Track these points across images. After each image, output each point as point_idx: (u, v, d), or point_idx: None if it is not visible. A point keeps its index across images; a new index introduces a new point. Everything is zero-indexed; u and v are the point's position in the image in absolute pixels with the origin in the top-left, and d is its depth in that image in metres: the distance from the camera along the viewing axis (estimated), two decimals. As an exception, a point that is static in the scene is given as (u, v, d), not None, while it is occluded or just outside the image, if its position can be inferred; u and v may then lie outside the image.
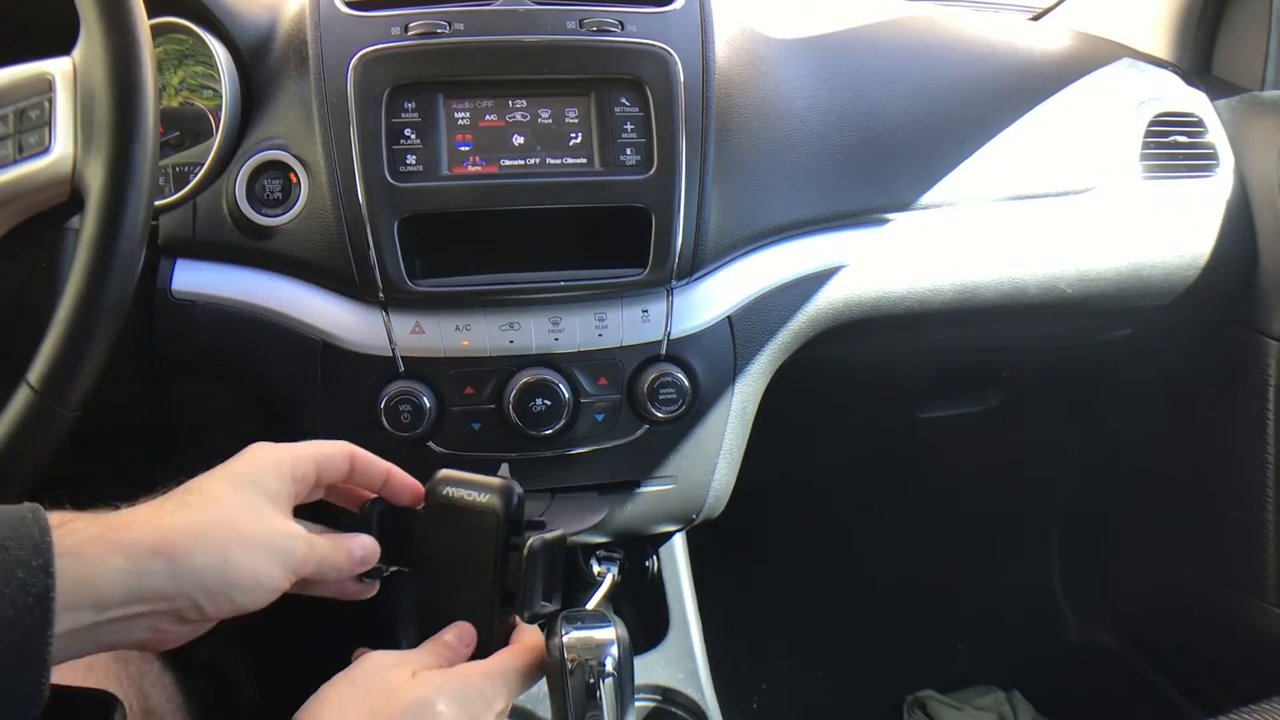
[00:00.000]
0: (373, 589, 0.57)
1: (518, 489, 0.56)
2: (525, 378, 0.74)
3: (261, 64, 0.77)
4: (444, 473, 0.57)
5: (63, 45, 0.58)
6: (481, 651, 0.55)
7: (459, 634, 0.55)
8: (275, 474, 0.52)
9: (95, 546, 0.44)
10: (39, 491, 0.60)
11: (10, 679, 0.39)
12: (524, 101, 0.74)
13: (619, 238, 0.74)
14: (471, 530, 0.56)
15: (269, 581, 0.49)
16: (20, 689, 0.39)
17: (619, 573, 0.96)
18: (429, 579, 0.58)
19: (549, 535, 0.56)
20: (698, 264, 0.76)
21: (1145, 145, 0.96)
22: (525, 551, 0.55)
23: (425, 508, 0.57)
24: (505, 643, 0.56)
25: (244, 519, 0.49)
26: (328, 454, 0.55)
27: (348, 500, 0.59)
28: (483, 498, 0.55)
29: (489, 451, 0.73)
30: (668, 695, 0.98)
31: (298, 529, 0.51)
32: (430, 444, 0.75)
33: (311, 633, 1.25)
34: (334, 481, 0.56)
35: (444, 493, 0.56)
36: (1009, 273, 0.91)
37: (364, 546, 0.55)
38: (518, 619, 0.57)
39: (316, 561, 0.52)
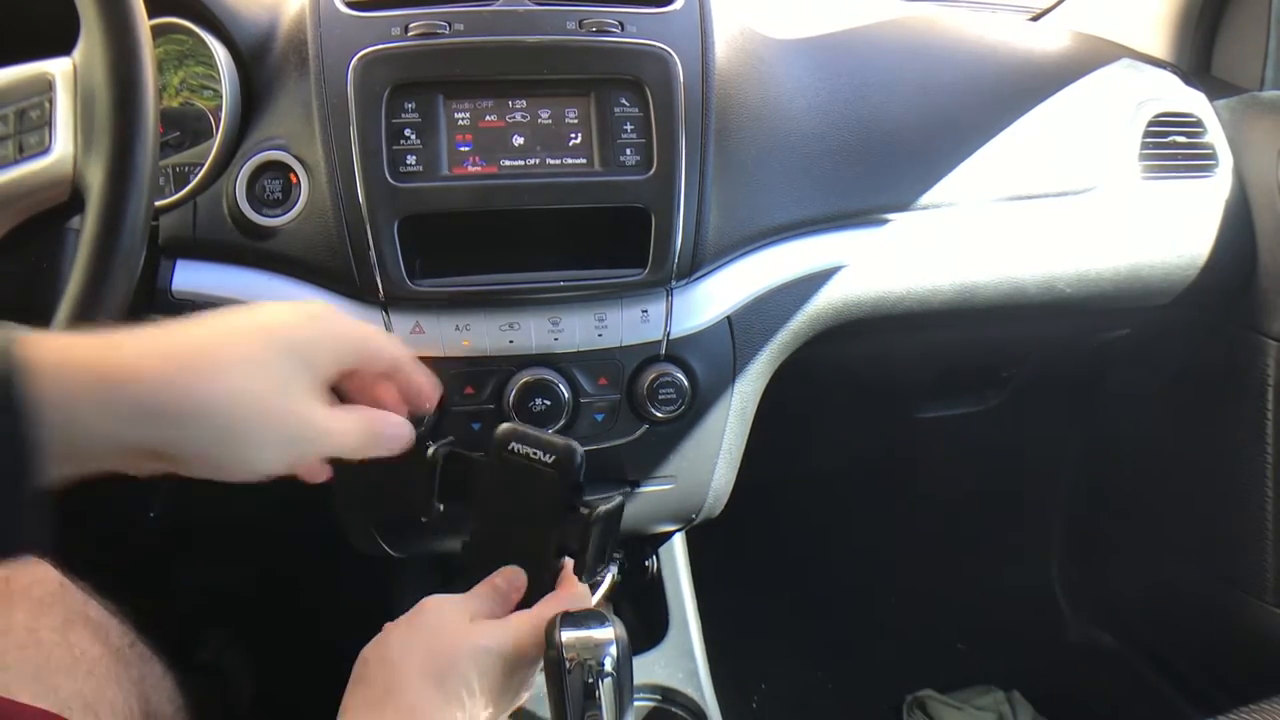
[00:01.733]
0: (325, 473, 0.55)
1: (580, 451, 0.58)
2: (525, 378, 0.74)
3: (262, 64, 0.77)
4: (509, 427, 0.59)
5: (63, 45, 0.58)
6: (532, 598, 0.58)
7: (509, 578, 0.57)
8: (329, 353, 0.48)
9: (82, 396, 0.40)
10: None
11: (5, 514, 0.38)
12: (524, 102, 0.74)
13: (619, 238, 0.75)
14: (535, 487, 0.58)
15: (265, 468, 0.46)
16: (14, 537, 0.39)
17: (619, 572, 0.96)
18: (486, 525, 0.60)
19: (610, 504, 0.59)
20: (697, 264, 0.77)
21: (1144, 145, 0.96)
22: (589, 519, 0.57)
23: (489, 459, 0.59)
24: (553, 587, 0.58)
25: (274, 402, 0.45)
26: (382, 351, 0.52)
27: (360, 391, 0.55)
28: (548, 458, 0.57)
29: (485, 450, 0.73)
30: (667, 695, 0.98)
31: (324, 418, 0.48)
32: (430, 444, 0.74)
33: (311, 632, 1.26)
34: (363, 375, 0.53)
35: (510, 448, 0.58)
36: (1009, 273, 0.91)
37: (394, 426, 0.52)
38: (566, 562, 0.59)
39: (327, 453, 0.49)
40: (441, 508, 0.60)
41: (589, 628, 0.54)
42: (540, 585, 0.59)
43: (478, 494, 0.59)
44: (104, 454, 0.42)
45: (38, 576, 0.71)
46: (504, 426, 0.59)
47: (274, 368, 0.45)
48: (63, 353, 0.40)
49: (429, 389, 0.57)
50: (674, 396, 0.76)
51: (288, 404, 0.46)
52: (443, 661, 0.50)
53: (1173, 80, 1.04)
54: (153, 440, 0.42)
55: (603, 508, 0.58)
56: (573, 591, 0.58)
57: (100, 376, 0.41)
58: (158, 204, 0.73)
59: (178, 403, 0.42)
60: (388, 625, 0.52)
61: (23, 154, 0.57)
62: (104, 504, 1.09)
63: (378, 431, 0.52)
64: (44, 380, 0.39)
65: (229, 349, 0.44)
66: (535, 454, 0.58)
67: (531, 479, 0.58)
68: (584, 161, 0.74)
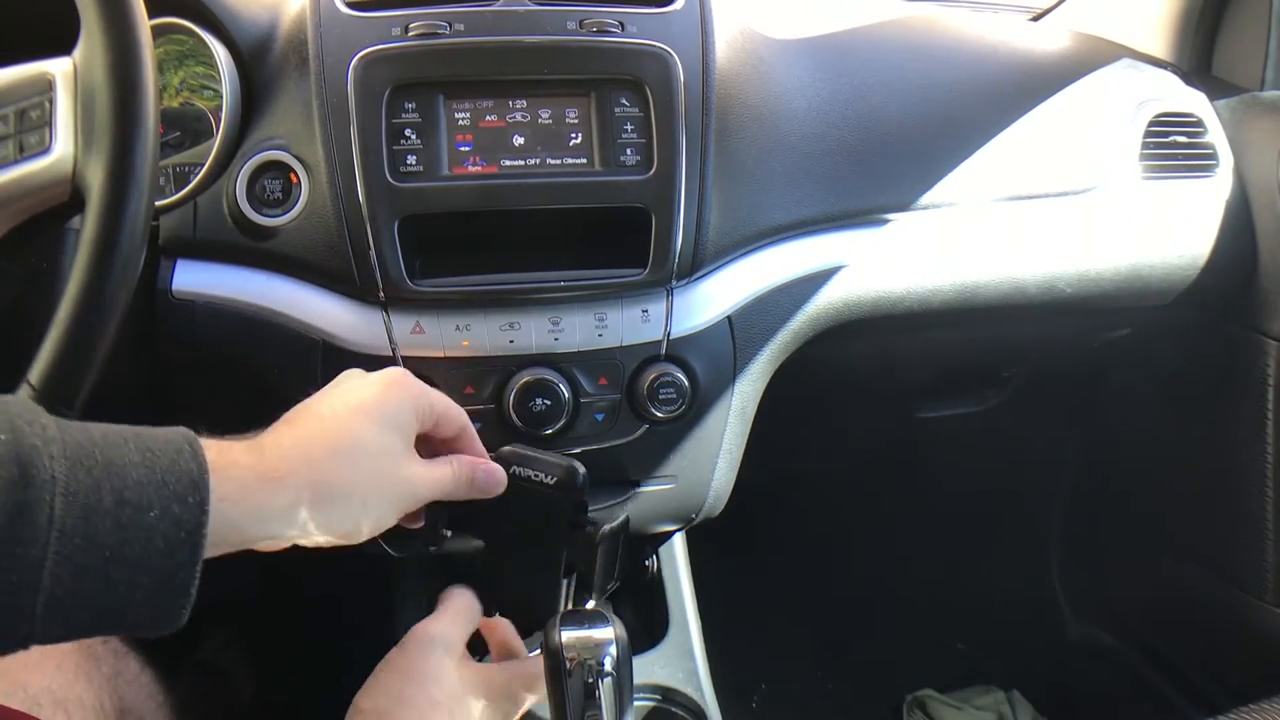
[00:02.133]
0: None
1: (582, 471, 0.58)
2: (525, 377, 0.74)
3: (262, 64, 0.77)
4: (510, 449, 0.59)
5: (63, 45, 0.58)
6: (541, 620, 0.58)
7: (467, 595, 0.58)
8: (413, 414, 0.53)
9: (252, 494, 0.45)
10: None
11: (155, 603, 0.41)
12: (524, 102, 0.74)
13: (619, 238, 0.75)
14: (539, 508, 0.58)
15: (382, 527, 0.52)
16: (163, 614, 0.42)
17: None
18: (493, 550, 0.60)
19: (615, 523, 0.59)
20: (698, 264, 0.77)
21: (1145, 145, 0.96)
22: (596, 538, 0.58)
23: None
24: (558, 607, 0.59)
25: (387, 469, 0.50)
26: (450, 415, 0.56)
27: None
28: (550, 479, 0.58)
29: (489, 451, 0.73)
30: (667, 695, 0.98)
31: (424, 472, 0.53)
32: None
33: (310, 632, 1.26)
34: (433, 437, 0.57)
35: (511, 471, 0.58)
36: (1009, 273, 0.91)
37: (488, 470, 0.57)
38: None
39: (429, 499, 0.54)
40: (449, 534, 0.60)
41: (589, 628, 0.54)
42: (547, 604, 0.59)
43: (483, 519, 0.59)
44: (253, 538, 0.46)
45: None
46: (505, 450, 0.59)
47: (381, 441, 0.51)
48: (227, 456, 0.45)
49: (484, 463, 0.59)
50: (674, 396, 0.76)
51: (397, 470, 0.51)
52: (451, 711, 0.52)
53: (1173, 80, 1.04)
54: (293, 528, 0.47)
55: (607, 527, 0.59)
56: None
57: (261, 478, 0.46)
58: (158, 204, 0.73)
59: (322, 496, 0.48)
60: (380, 670, 0.53)
61: (23, 154, 0.57)
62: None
63: (471, 476, 0.56)
64: (221, 482, 0.43)
65: (347, 437, 0.50)
66: (538, 476, 0.58)
67: (535, 501, 0.58)
68: (584, 161, 0.74)
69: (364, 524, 0.50)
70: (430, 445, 0.57)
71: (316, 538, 0.49)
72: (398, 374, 0.54)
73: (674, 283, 0.76)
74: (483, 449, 0.59)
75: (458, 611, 0.56)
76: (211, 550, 0.43)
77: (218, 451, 0.45)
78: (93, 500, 0.39)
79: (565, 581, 0.60)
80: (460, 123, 0.73)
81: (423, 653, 0.53)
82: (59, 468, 0.39)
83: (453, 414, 0.56)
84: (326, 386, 0.54)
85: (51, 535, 0.38)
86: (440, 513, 0.60)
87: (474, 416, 0.74)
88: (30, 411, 0.40)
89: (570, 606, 0.61)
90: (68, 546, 0.38)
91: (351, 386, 0.53)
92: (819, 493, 1.51)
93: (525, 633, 0.62)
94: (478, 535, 0.60)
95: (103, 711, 0.68)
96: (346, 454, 0.49)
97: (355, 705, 0.51)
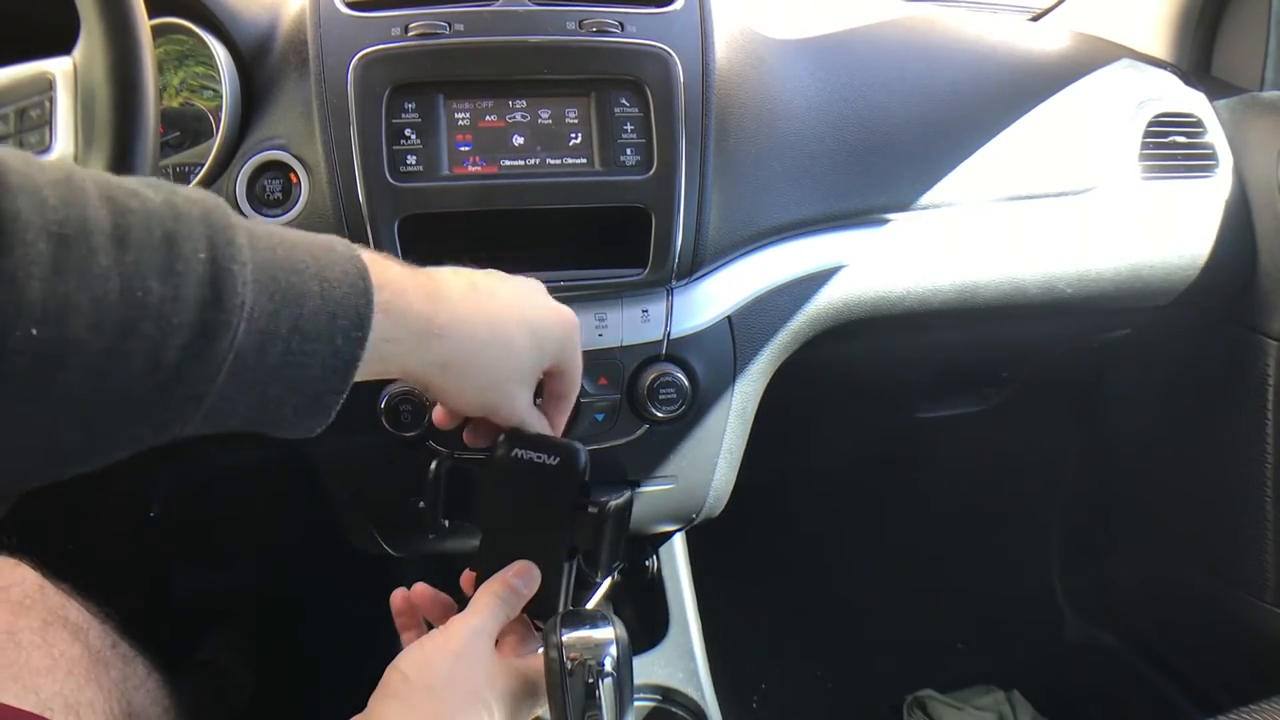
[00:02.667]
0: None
1: (584, 450, 0.59)
2: (525, 377, 0.74)
3: (262, 64, 0.77)
4: (510, 433, 0.59)
5: (63, 45, 0.58)
6: (548, 605, 0.58)
7: (524, 575, 0.58)
8: (556, 358, 0.57)
9: (410, 341, 0.49)
10: (37, 493, 0.61)
11: (298, 418, 0.45)
12: (524, 102, 0.74)
13: (619, 238, 0.75)
14: (542, 490, 0.58)
15: (465, 411, 0.57)
16: (301, 426, 0.46)
17: (619, 573, 0.97)
18: (495, 534, 0.60)
19: (619, 499, 0.59)
20: (698, 264, 0.77)
21: (1144, 145, 0.96)
22: (600, 515, 0.58)
23: (493, 466, 0.59)
24: (563, 588, 0.60)
25: (506, 381, 0.55)
26: (570, 383, 0.60)
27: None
28: (553, 459, 0.58)
29: (488, 451, 0.73)
30: (668, 695, 0.98)
31: (523, 406, 0.58)
32: (430, 444, 0.75)
33: (311, 632, 1.26)
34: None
35: (513, 453, 0.59)
36: (1009, 273, 0.91)
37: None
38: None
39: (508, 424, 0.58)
40: (448, 524, 0.60)
41: (589, 628, 0.54)
42: (552, 587, 0.59)
43: (484, 502, 0.60)
44: (384, 373, 0.49)
45: (16, 578, 0.71)
46: (506, 431, 0.59)
47: (524, 360, 0.55)
48: (402, 298, 0.48)
49: (560, 429, 0.63)
50: (674, 396, 0.76)
51: (510, 381, 0.56)
52: (482, 697, 0.52)
53: (1173, 80, 1.04)
54: (424, 377, 0.52)
55: (614, 502, 0.59)
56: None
57: (426, 330, 0.49)
58: (158, 204, 0.72)
59: (462, 362, 0.52)
60: (425, 644, 0.54)
61: (23, 154, 0.57)
62: (104, 504, 1.09)
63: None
64: (389, 325, 0.47)
65: (505, 337, 0.54)
66: (540, 457, 0.58)
67: (537, 482, 0.58)
68: (584, 161, 0.74)
69: (457, 403, 0.55)
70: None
71: (423, 385, 0.53)
72: (572, 315, 0.58)
73: (674, 283, 0.76)
74: (562, 422, 0.62)
75: (494, 611, 0.56)
76: (357, 374, 0.46)
77: (393, 292, 0.47)
78: (270, 326, 0.41)
79: (568, 565, 0.60)
80: (460, 123, 0.73)
81: (472, 639, 0.54)
82: (249, 293, 0.40)
83: (576, 378, 0.60)
84: (508, 277, 0.57)
85: (230, 357, 0.40)
86: (439, 499, 0.60)
87: (474, 416, 0.75)
88: (225, 225, 0.41)
89: (572, 589, 0.61)
90: (239, 366, 0.40)
91: (532, 295, 0.57)
92: (819, 493, 1.51)
93: (530, 618, 0.62)
94: (478, 521, 0.60)
95: (112, 715, 0.68)
96: (500, 349, 0.53)
97: (398, 669, 0.52)
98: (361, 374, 0.46)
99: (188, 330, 0.38)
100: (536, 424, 0.59)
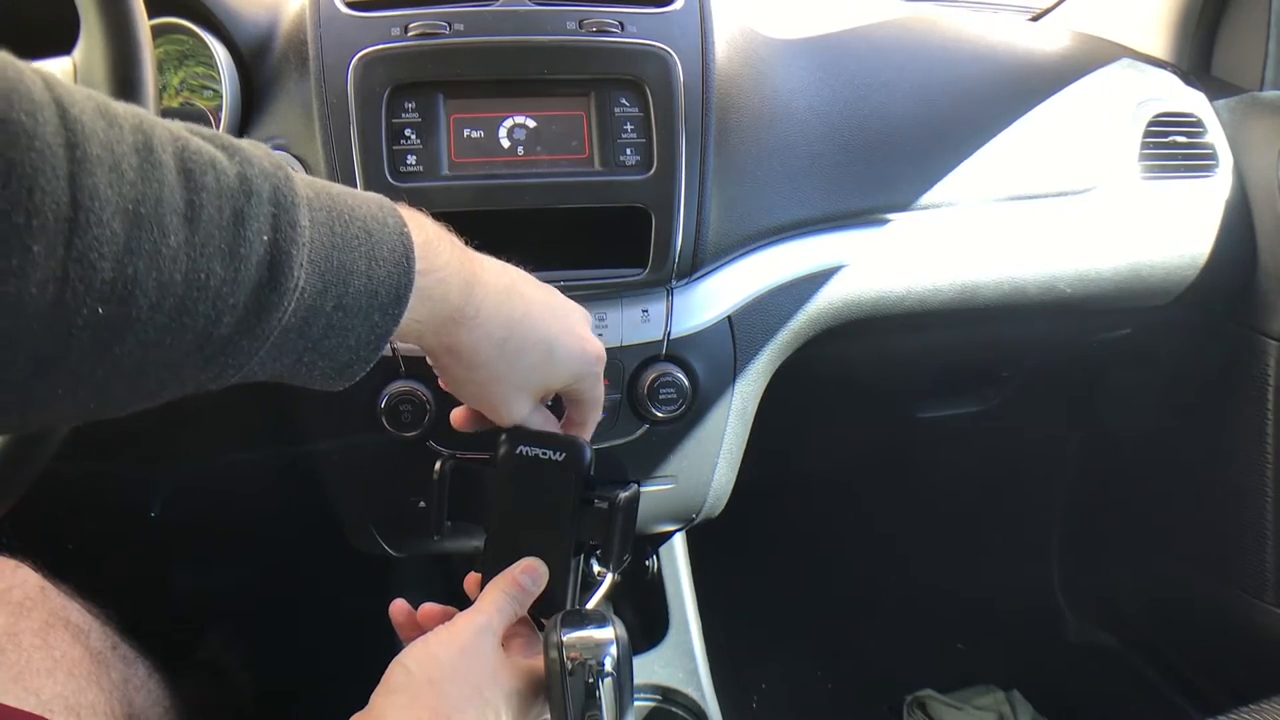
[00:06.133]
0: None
1: (589, 445, 0.59)
2: (525, 378, 0.74)
3: (262, 64, 0.77)
4: (514, 431, 0.59)
5: (63, 45, 0.58)
6: (556, 603, 0.58)
7: (532, 574, 0.58)
8: (570, 376, 0.57)
9: (432, 323, 0.49)
10: (38, 494, 0.61)
11: (323, 381, 0.46)
12: (524, 102, 0.74)
13: (619, 238, 0.74)
14: (548, 486, 0.58)
15: (469, 400, 0.58)
16: (322, 386, 0.47)
17: (619, 573, 0.96)
18: (501, 533, 0.60)
19: (627, 492, 0.59)
20: (698, 264, 0.77)
21: (1144, 145, 0.96)
22: (611, 508, 0.58)
23: (498, 464, 0.59)
24: (569, 585, 0.59)
25: (508, 390, 0.56)
26: (587, 407, 0.60)
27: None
28: (558, 455, 0.58)
29: (490, 451, 0.73)
30: (668, 695, 0.99)
31: (523, 414, 0.58)
32: (430, 444, 0.75)
33: (311, 632, 1.26)
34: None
35: (517, 450, 0.59)
36: (1009, 273, 0.91)
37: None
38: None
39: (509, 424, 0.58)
40: (450, 524, 0.60)
41: (589, 628, 0.54)
42: (559, 585, 0.59)
43: (489, 501, 0.59)
44: (404, 340, 0.50)
45: (18, 580, 0.71)
46: (510, 429, 0.59)
47: (530, 365, 0.55)
48: (441, 279, 0.48)
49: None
50: (674, 396, 0.76)
51: (510, 389, 0.56)
52: (486, 694, 0.52)
53: (1173, 80, 1.04)
54: (437, 353, 0.53)
55: (623, 495, 0.58)
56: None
57: (453, 318, 0.50)
58: (158, 204, 0.72)
59: (470, 351, 0.52)
60: (430, 640, 0.53)
61: (23, 154, 0.57)
62: (104, 504, 1.09)
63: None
64: (425, 311, 0.48)
65: (522, 340, 0.54)
66: (545, 453, 0.58)
67: (543, 479, 0.58)
68: (584, 161, 0.74)
69: (454, 386, 0.56)
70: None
71: (436, 360, 0.54)
72: (599, 353, 0.58)
73: (674, 282, 0.76)
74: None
75: (501, 608, 0.56)
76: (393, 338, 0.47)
77: (436, 279, 0.48)
78: (317, 303, 0.42)
79: (575, 562, 0.60)
80: (460, 122, 0.73)
81: (478, 636, 0.53)
82: (303, 275, 0.41)
83: (593, 411, 0.61)
84: (558, 293, 0.58)
85: (275, 332, 0.40)
86: (442, 499, 0.60)
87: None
88: (291, 204, 0.41)
89: (579, 587, 0.61)
90: (282, 338, 0.41)
91: (570, 317, 0.57)
92: (819, 492, 1.51)
93: (536, 617, 0.62)
94: (482, 521, 0.60)
95: (113, 716, 0.68)
96: (509, 354, 0.53)
97: (403, 665, 0.52)
98: (401, 336, 0.48)
99: (241, 310, 0.39)
100: (530, 421, 0.59)
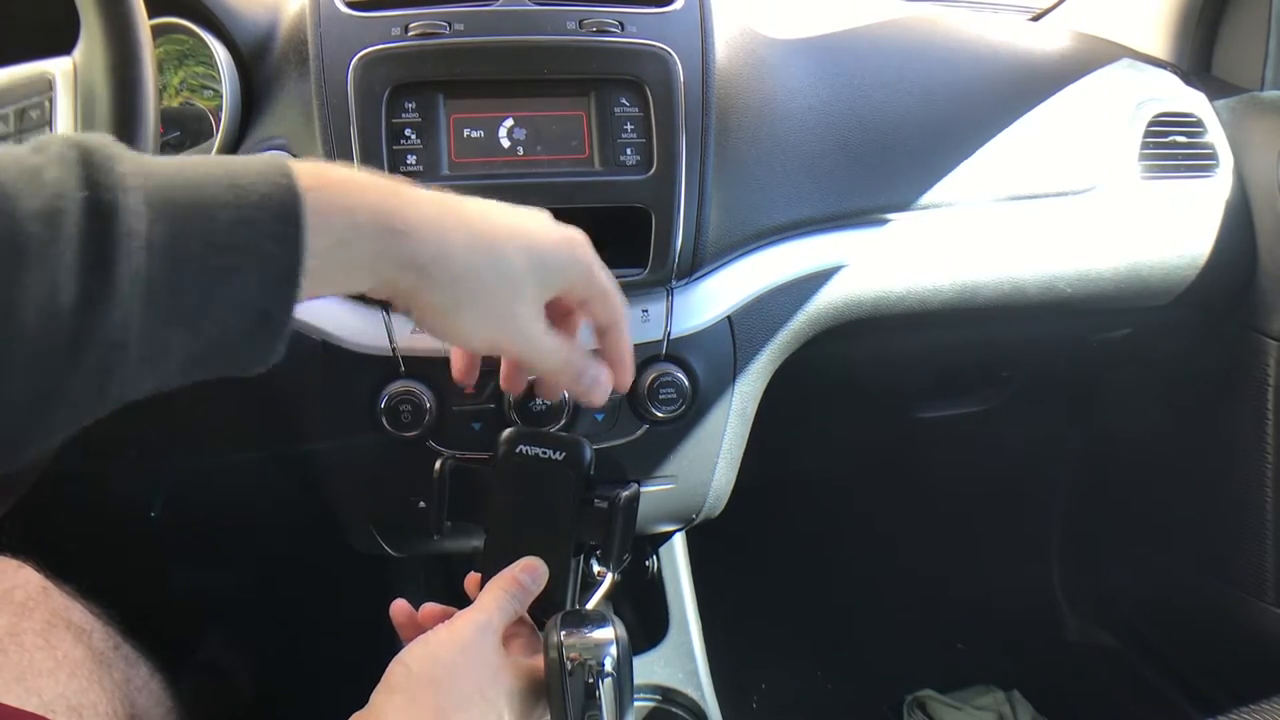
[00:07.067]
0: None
1: (589, 445, 0.59)
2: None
3: (262, 64, 0.77)
4: (514, 431, 0.59)
5: (63, 45, 0.58)
6: (556, 603, 0.58)
7: (531, 573, 0.57)
8: (563, 281, 0.51)
9: (367, 241, 0.43)
10: (38, 494, 0.61)
11: (254, 348, 0.41)
12: (524, 102, 0.74)
13: (619, 238, 0.74)
14: (549, 486, 0.58)
15: (471, 343, 0.51)
16: (256, 357, 0.41)
17: (619, 573, 0.96)
18: (501, 533, 0.60)
19: (627, 491, 0.59)
20: (698, 264, 0.77)
21: (1144, 145, 0.96)
22: (611, 507, 0.58)
23: (498, 464, 0.59)
24: (569, 585, 0.59)
25: (502, 297, 0.48)
26: (606, 303, 0.53)
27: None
28: (559, 455, 0.58)
29: (490, 451, 0.73)
30: (668, 695, 0.98)
31: (539, 333, 0.51)
32: (430, 443, 0.75)
33: (311, 633, 1.26)
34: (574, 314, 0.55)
35: (517, 450, 0.58)
36: (1009, 273, 0.91)
37: (599, 374, 0.54)
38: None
39: (528, 361, 0.52)
40: (450, 524, 0.60)
41: (589, 628, 0.54)
42: (560, 585, 0.59)
43: (489, 501, 0.59)
44: (354, 284, 0.44)
45: (20, 580, 0.71)
46: (509, 430, 0.60)
47: (517, 269, 0.48)
48: (348, 195, 0.43)
49: (626, 365, 0.56)
50: (674, 396, 0.76)
51: (514, 305, 0.49)
52: (487, 693, 0.52)
53: (1173, 80, 1.04)
54: (401, 284, 0.45)
55: (624, 494, 0.58)
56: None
57: (385, 226, 0.43)
58: (158, 204, 0.72)
59: (438, 268, 0.45)
60: (430, 639, 0.53)
61: (23, 154, 0.57)
62: (105, 504, 1.09)
63: (581, 369, 0.53)
64: (326, 215, 0.41)
65: (490, 240, 0.47)
66: (545, 453, 0.58)
67: (543, 478, 0.58)
68: (584, 161, 0.74)
69: (454, 324, 0.48)
70: (569, 324, 0.55)
71: (409, 306, 0.47)
72: (580, 237, 0.52)
73: (674, 282, 0.76)
74: (623, 354, 0.56)
75: (501, 607, 0.56)
76: (315, 291, 0.42)
77: (338, 190, 0.42)
78: (178, 249, 0.37)
79: (576, 561, 0.60)
80: (460, 122, 0.73)
81: (478, 634, 0.53)
82: (142, 221, 0.36)
83: (611, 303, 0.53)
84: (505, 204, 0.52)
85: (136, 290, 0.36)
86: (443, 499, 0.60)
87: (474, 416, 0.75)
88: (105, 158, 0.37)
89: (579, 587, 0.61)
90: (153, 300, 0.36)
91: (529, 215, 0.51)
92: (819, 493, 1.51)
93: (537, 617, 0.62)
94: (482, 521, 0.60)
95: (115, 717, 0.68)
96: (484, 260, 0.47)
97: (404, 663, 0.51)
98: (326, 287, 0.42)
99: (78, 270, 0.35)
100: (564, 357, 0.52)
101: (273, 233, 0.39)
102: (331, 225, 0.41)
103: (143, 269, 0.36)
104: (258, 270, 0.39)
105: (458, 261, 0.46)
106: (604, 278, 0.53)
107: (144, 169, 0.38)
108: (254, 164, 0.40)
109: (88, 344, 0.35)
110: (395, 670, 0.51)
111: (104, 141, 0.38)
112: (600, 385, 0.54)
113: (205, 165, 0.39)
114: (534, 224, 0.51)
